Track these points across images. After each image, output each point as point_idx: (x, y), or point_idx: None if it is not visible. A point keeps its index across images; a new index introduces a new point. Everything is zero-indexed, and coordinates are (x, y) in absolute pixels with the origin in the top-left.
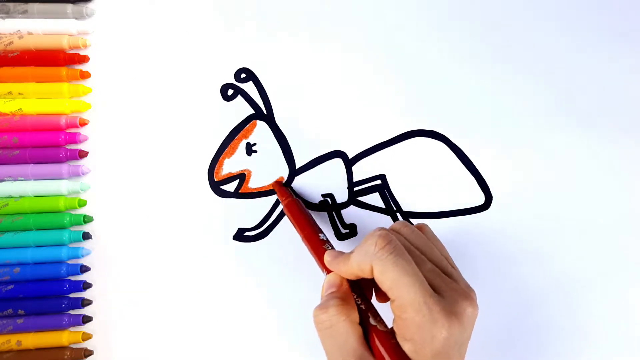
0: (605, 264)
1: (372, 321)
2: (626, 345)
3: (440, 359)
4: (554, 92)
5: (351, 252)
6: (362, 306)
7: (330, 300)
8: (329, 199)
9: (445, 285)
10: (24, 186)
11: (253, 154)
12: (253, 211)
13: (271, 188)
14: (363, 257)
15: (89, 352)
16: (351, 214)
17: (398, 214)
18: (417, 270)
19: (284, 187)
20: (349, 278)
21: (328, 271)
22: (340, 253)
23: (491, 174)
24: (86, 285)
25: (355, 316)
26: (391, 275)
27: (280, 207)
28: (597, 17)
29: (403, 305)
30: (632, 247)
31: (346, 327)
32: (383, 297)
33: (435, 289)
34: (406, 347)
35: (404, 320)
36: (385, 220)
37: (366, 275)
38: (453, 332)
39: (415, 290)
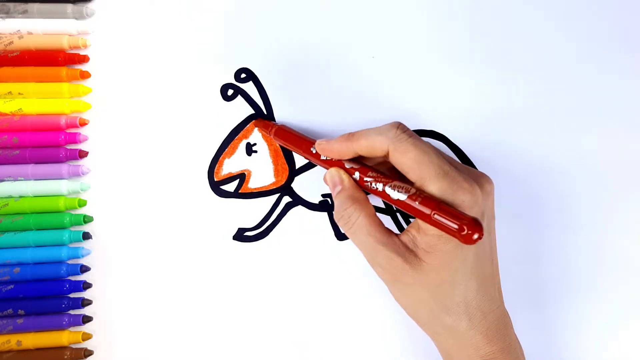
0: (605, 264)
1: (397, 189)
2: (626, 344)
3: None
4: (555, 92)
5: (356, 133)
6: (380, 183)
7: (344, 201)
8: (329, 199)
9: (460, 165)
10: (24, 186)
11: (253, 154)
12: (253, 211)
13: (271, 188)
14: (379, 138)
15: (89, 352)
16: None
17: (398, 214)
18: (435, 149)
19: (265, 120)
20: (347, 156)
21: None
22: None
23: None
24: (86, 285)
25: (371, 207)
26: (413, 154)
27: (280, 207)
28: (597, 17)
29: (425, 182)
30: (632, 247)
31: (366, 219)
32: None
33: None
34: None
35: None
36: (386, 220)
37: (375, 154)
38: (477, 198)
39: (437, 164)
